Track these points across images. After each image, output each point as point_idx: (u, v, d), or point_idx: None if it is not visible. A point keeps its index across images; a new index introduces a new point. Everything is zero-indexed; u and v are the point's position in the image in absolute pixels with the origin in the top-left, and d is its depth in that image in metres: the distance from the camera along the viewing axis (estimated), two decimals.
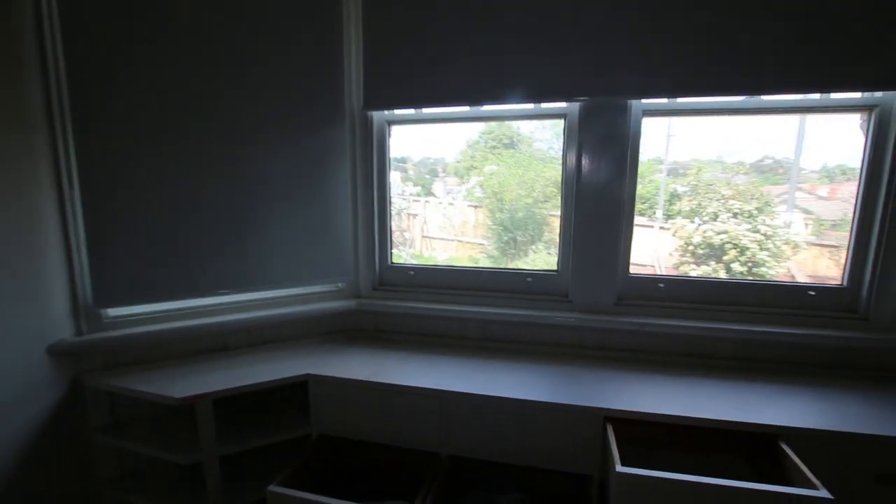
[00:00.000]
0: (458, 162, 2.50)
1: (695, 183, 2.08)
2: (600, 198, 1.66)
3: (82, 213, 1.48)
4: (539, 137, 2.29)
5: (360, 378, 1.52)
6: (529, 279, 1.83)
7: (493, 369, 1.60)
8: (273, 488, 1.34)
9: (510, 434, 1.39)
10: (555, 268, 1.81)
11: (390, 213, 1.99)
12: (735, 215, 2.01)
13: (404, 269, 1.98)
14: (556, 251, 1.80)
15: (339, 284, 1.97)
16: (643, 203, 2.03)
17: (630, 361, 1.65)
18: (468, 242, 2.61)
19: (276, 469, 1.67)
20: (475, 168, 2.45)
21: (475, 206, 2.60)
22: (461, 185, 2.55)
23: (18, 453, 1.36)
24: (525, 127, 2.27)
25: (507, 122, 2.18)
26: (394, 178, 2.03)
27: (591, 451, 1.32)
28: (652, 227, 2.21)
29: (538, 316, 1.73)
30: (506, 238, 2.35)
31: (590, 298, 1.72)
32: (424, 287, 1.93)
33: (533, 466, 1.39)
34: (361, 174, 1.90)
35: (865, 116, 1.50)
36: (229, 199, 1.66)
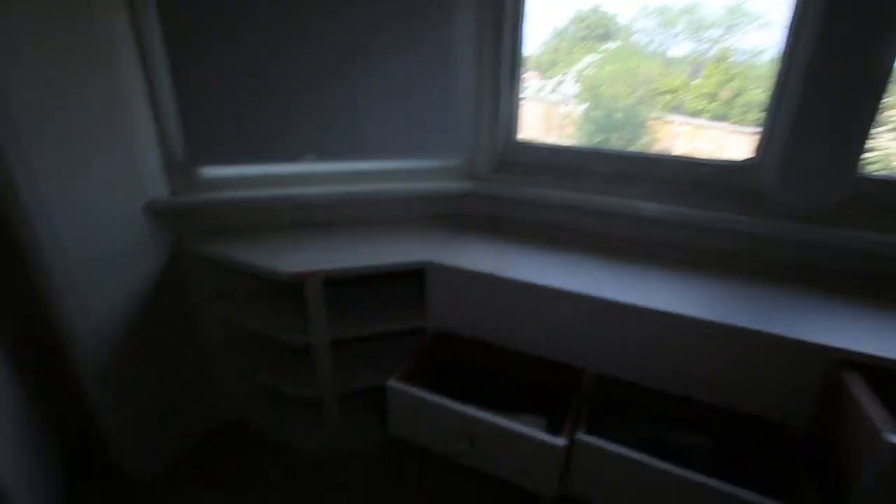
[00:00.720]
0: (541, 55, 2.18)
1: None
2: (847, 74, 1.13)
3: (169, 71, 1.21)
4: (640, 28, 1.94)
5: (487, 271, 1.25)
6: (708, 170, 1.40)
7: (655, 278, 1.26)
8: (393, 384, 1.17)
9: (682, 361, 1.10)
10: (742, 158, 1.36)
11: (521, 76, 1.56)
12: None
13: (535, 149, 1.59)
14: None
15: (455, 161, 1.64)
16: None
17: (859, 290, 1.22)
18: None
19: (387, 360, 1.55)
20: (559, 62, 2.19)
21: (563, 102, 2.25)
22: (542, 80, 2.24)
23: (127, 318, 1.27)
24: (624, 14, 1.81)
25: (602, 9, 1.72)
26: None
27: (802, 398, 1.01)
28: None
29: (718, 218, 1.33)
30: (598, 139, 2.12)
31: (801, 200, 1.27)
32: (559, 171, 1.56)
33: (709, 405, 1.11)
34: (490, 22, 1.45)
35: None
36: (333, 54, 1.31)
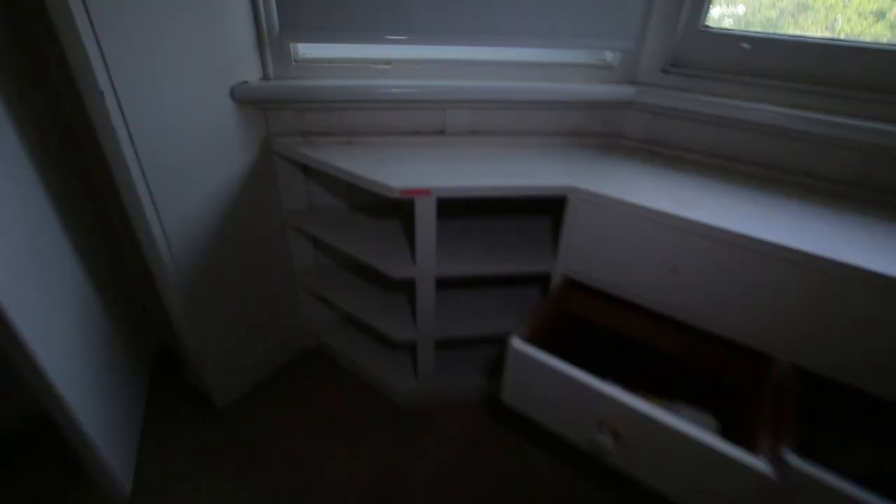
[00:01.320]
0: None
1: None
2: None
3: None
4: None
5: (655, 207, 0.90)
6: None
7: None
8: (518, 344, 0.91)
9: None
10: None
11: None
12: None
13: (728, 40, 1.13)
14: None
15: (611, 56, 1.23)
16: None
17: None
18: None
19: (499, 309, 1.30)
20: None
21: None
22: None
23: (211, 225, 1.11)
24: None
25: None
26: None
27: None
28: None
29: None
30: None
31: None
32: (767, 76, 1.09)
33: None
34: None
35: None
36: None
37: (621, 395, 0.81)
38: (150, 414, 1.29)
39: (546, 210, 1.38)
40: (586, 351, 1.14)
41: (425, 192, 0.95)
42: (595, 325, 1.21)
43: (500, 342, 1.00)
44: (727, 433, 0.86)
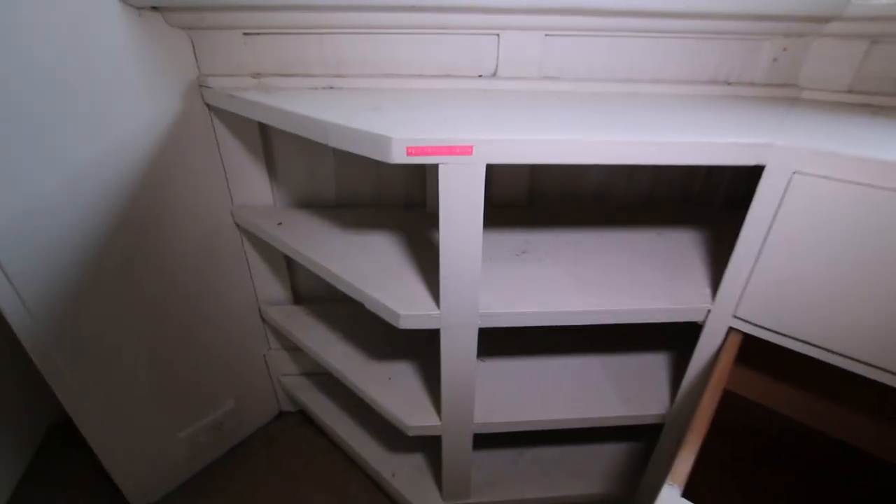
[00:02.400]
0: None
1: None
2: None
3: None
4: None
5: None
6: None
7: None
8: None
9: None
10: None
11: None
12: None
13: None
14: None
15: None
16: None
17: None
18: None
19: (599, 381, 0.76)
20: None
21: None
22: None
23: (99, 242, 0.65)
24: None
25: None
26: None
27: None
28: None
29: None
30: None
31: None
32: None
33: None
34: None
35: None
36: None
37: None
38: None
39: (671, 217, 0.85)
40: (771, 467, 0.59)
41: (461, 150, 0.44)
42: (784, 422, 0.65)
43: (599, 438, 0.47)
44: None
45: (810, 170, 0.46)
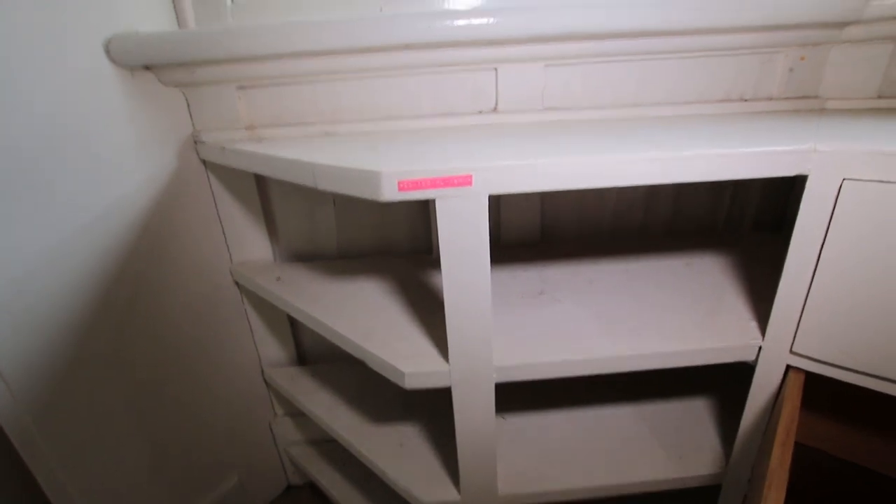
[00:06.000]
0: None
1: None
2: None
3: None
4: None
5: None
6: None
7: None
8: None
9: None
10: None
11: None
12: None
13: None
14: None
15: None
16: None
17: None
18: None
19: (631, 437, 0.67)
20: None
21: None
22: None
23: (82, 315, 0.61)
24: None
25: None
26: None
27: None
28: None
29: None
30: None
31: None
32: None
33: None
34: None
35: None
36: None
37: None
38: None
39: (698, 244, 0.78)
40: None
41: (459, 180, 0.40)
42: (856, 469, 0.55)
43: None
44: None
45: (863, 174, 0.40)
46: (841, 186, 0.41)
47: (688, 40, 0.65)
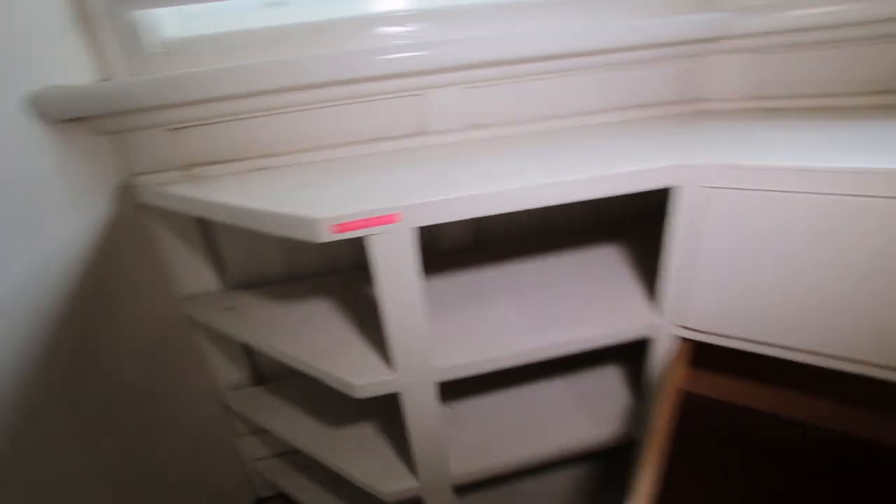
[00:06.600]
0: None
1: None
2: None
3: None
4: None
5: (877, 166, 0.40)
6: None
7: None
8: None
9: None
10: None
11: None
12: None
13: None
14: None
15: None
16: None
17: None
18: None
19: (565, 406, 0.76)
20: None
21: None
22: None
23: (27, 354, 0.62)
24: None
25: None
26: None
27: None
28: None
29: None
30: None
31: None
32: None
33: None
34: None
35: None
36: None
37: None
38: None
39: (617, 234, 0.88)
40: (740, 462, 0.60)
41: (387, 219, 0.46)
42: (736, 410, 0.67)
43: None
44: None
45: (721, 183, 0.50)
46: (703, 194, 0.51)
47: (589, 59, 0.74)
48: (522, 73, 0.74)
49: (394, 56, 0.64)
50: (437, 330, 0.63)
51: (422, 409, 0.59)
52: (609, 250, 0.82)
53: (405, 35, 0.74)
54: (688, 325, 0.59)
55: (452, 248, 0.87)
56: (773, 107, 0.77)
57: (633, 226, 0.92)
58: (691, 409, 0.70)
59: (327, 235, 0.44)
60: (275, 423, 0.78)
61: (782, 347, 0.54)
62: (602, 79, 0.78)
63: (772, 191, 0.48)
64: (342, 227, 0.44)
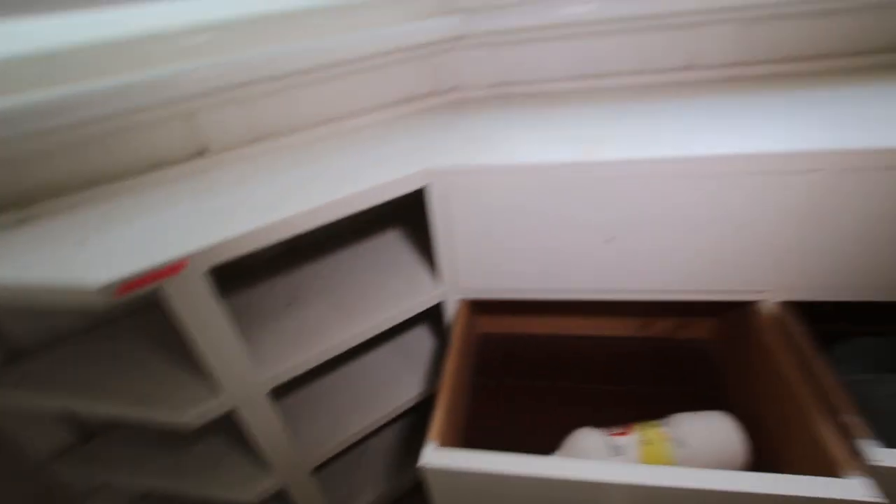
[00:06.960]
0: None
1: None
2: None
3: None
4: None
5: (561, 160, 0.60)
6: None
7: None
8: (436, 461, 0.52)
9: None
10: None
11: None
12: None
13: None
14: None
15: None
16: None
17: None
18: None
19: (393, 368, 0.89)
20: None
21: None
22: None
23: None
24: None
25: None
26: None
27: None
28: None
29: None
30: None
31: None
32: None
33: None
34: None
35: None
36: None
37: (628, 472, 0.48)
38: None
39: (400, 217, 1.01)
40: (525, 373, 0.82)
41: (173, 268, 0.49)
42: (520, 339, 0.89)
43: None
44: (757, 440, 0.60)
45: (459, 180, 0.64)
46: (447, 186, 0.64)
47: (353, 66, 0.82)
48: (296, 83, 0.79)
49: (145, 89, 0.63)
50: (258, 341, 0.69)
51: (260, 419, 0.65)
52: (397, 234, 0.95)
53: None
54: (462, 288, 0.76)
55: (270, 255, 0.91)
56: (515, 92, 0.96)
57: (418, 209, 1.07)
58: (490, 348, 0.90)
59: (114, 300, 0.46)
60: (115, 477, 0.76)
61: (533, 291, 0.73)
62: (369, 79, 0.87)
63: (493, 178, 0.64)
64: (128, 287, 0.47)
